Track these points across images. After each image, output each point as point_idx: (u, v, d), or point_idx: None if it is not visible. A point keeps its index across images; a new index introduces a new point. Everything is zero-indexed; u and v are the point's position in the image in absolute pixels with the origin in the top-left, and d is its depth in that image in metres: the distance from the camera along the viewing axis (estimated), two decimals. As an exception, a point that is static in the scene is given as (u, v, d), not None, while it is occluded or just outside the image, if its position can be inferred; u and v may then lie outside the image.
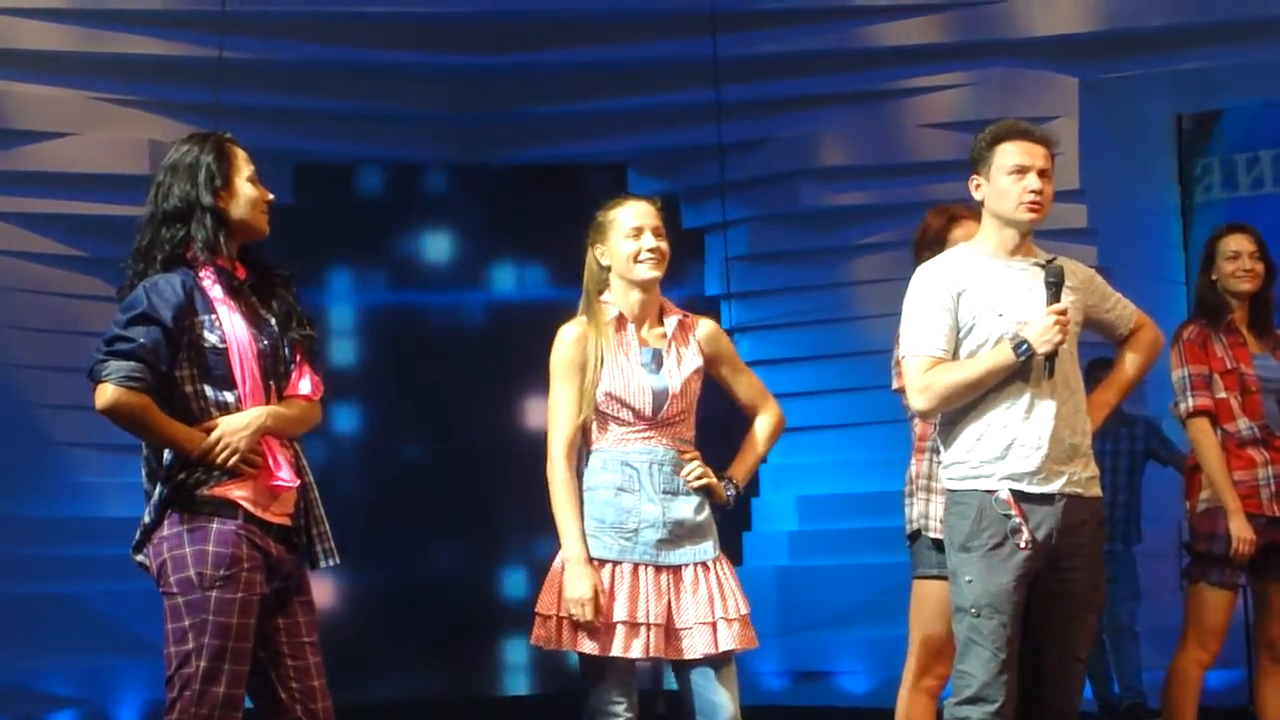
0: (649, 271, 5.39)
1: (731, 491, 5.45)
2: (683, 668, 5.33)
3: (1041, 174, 5.30)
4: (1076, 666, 5.36)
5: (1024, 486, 5.22)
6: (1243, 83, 10.89)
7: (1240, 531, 6.47)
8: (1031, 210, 5.29)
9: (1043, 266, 5.30)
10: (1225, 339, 6.66)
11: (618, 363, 5.34)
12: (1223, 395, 6.61)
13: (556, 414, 5.37)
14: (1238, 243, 6.72)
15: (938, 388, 5.26)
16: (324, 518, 5.03)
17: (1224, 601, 6.62)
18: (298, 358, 5.03)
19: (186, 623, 4.74)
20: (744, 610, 5.33)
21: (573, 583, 5.25)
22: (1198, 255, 7.70)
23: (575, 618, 5.23)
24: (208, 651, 4.71)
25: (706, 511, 5.39)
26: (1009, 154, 5.30)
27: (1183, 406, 6.64)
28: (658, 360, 5.38)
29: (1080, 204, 10.72)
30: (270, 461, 4.87)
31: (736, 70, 10.94)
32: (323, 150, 11.52)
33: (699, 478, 5.37)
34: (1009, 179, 5.29)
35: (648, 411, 5.32)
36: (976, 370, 5.24)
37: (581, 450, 5.39)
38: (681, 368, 5.39)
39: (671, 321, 5.47)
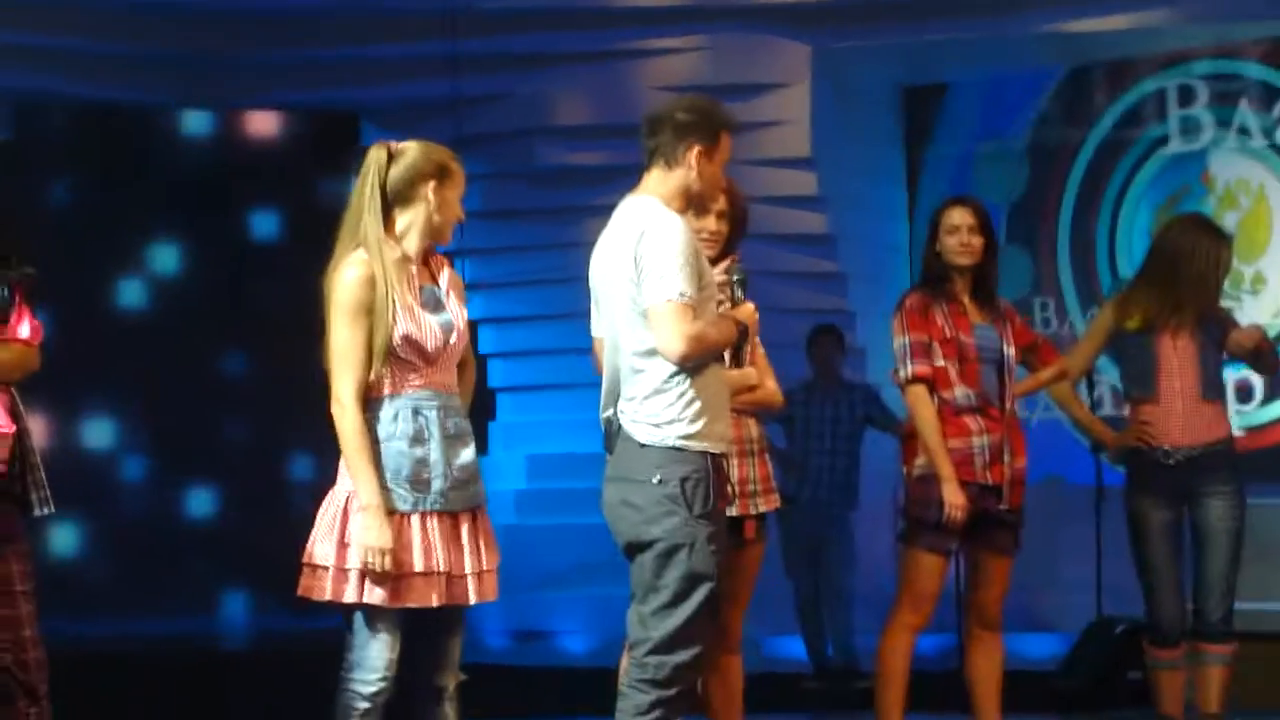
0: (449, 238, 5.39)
1: None
2: (423, 613, 5.22)
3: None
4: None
5: (725, 448, 5.36)
6: (970, 57, 11.10)
7: (952, 498, 6.59)
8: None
9: (734, 266, 5.68)
10: (946, 308, 6.75)
11: (406, 304, 5.21)
12: (941, 363, 6.70)
13: (345, 358, 5.16)
14: (960, 216, 6.77)
15: (707, 342, 5.26)
16: (40, 465, 4.93)
17: (936, 566, 6.75)
18: (16, 300, 4.91)
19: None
20: (491, 564, 5.32)
21: (372, 530, 5.10)
22: (922, 225, 7.83)
23: (370, 567, 5.09)
24: (-87, 599, 4.61)
25: (475, 453, 5.37)
26: (727, 144, 5.38)
27: (901, 373, 6.74)
28: (435, 299, 5.29)
29: (810, 172, 10.87)
30: (-17, 406, 4.77)
31: (474, 23, 10.89)
32: (45, 89, 11.23)
33: None
34: (718, 166, 5.38)
35: (440, 353, 5.24)
36: (724, 337, 5.35)
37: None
38: (461, 307, 5.33)
39: (437, 262, 5.40)
